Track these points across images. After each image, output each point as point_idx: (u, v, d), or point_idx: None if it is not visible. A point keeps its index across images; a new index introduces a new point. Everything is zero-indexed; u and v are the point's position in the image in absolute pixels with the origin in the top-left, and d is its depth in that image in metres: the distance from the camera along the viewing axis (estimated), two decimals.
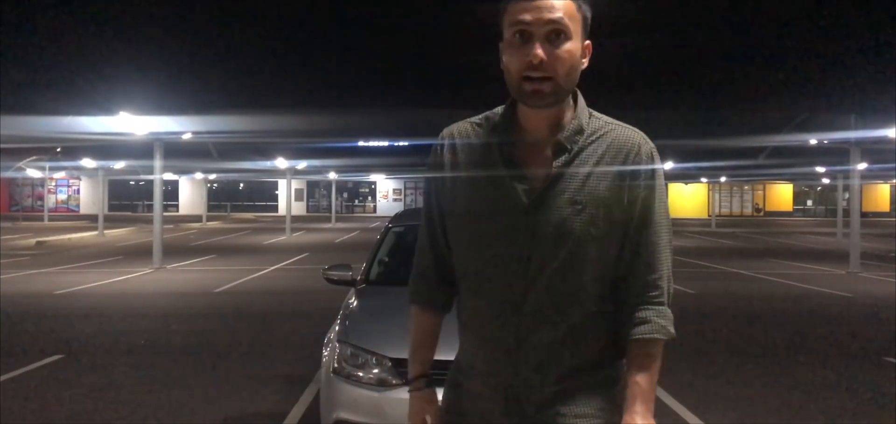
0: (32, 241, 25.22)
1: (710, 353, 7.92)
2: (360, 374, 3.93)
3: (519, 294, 1.59)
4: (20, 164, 35.61)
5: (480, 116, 1.71)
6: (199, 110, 18.23)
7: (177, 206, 53.46)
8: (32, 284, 13.95)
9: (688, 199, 56.03)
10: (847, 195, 28.54)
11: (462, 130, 1.70)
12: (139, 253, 20.49)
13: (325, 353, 4.35)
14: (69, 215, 49.20)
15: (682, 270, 17.02)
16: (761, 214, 57.12)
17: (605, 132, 1.63)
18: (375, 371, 3.90)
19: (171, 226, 34.98)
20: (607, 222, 1.59)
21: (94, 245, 24.86)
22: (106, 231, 30.20)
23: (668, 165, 32.58)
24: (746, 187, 57.22)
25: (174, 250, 21.02)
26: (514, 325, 1.60)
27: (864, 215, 26.70)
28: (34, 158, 34.82)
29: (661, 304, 1.63)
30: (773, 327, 9.73)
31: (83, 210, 51.72)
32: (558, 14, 1.53)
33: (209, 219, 43.06)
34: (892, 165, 28.32)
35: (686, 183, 53.90)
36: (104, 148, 26.72)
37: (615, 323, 1.65)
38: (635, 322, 1.61)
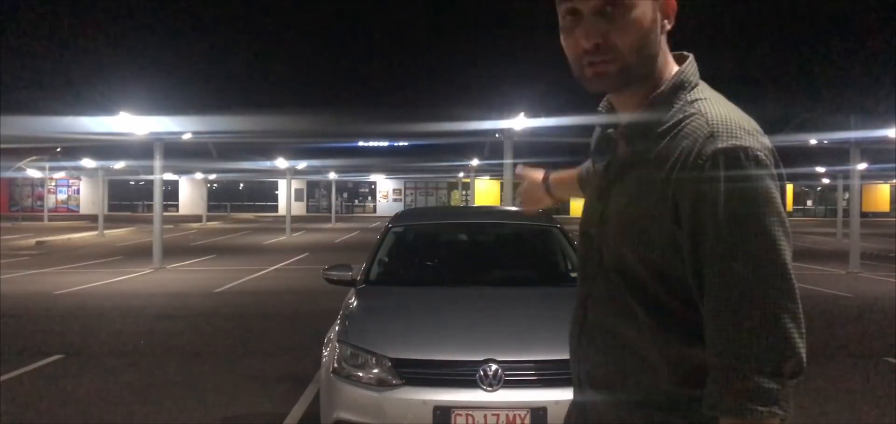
0: (32, 241, 25.22)
1: None
2: (360, 374, 3.93)
3: (585, 293, 1.47)
4: (20, 164, 35.62)
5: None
6: (199, 110, 18.22)
7: (177, 206, 53.48)
8: (32, 284, 13.95)
9: None
10: (847, 195, 28.53)
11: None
12: (139, 253, 20.49)
13: (325, 353, 4.35)
14: (69, 215, 49.22)
15: None
16: None
17: (691, 115, 1.31)
18: (375, 371, 3.90)
19: (171, 226, 34.97)
20: (660, 235, 1.29)
21: (94, 245, 24.85)
22: (106, 231, 30.20)
23: None
24: None
25: (174, 251, 21.02)
26: (577, 333, 1.49)
27: (864, 215, 26.70)
28: (34, 158, 34.83)
29: (730, 369, 1.19)
30: None
31: (83, 210, 51.72)
32: None
33: (209, 219, 43.06)
34: (892, 165, 28.30)
35: None
36: (104, 148, 26.72)
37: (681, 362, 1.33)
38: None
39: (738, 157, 1.22)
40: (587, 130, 1.75)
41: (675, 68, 1.39)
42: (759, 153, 1.23)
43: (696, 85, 1.37)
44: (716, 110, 1.29)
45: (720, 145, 1.23)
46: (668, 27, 1.37)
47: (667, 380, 1.32)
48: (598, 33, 1.30)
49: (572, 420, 1.57)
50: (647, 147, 1.33)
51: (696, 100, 1.33)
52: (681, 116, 1.32)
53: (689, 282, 1.26)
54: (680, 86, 1.36)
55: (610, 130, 1.46)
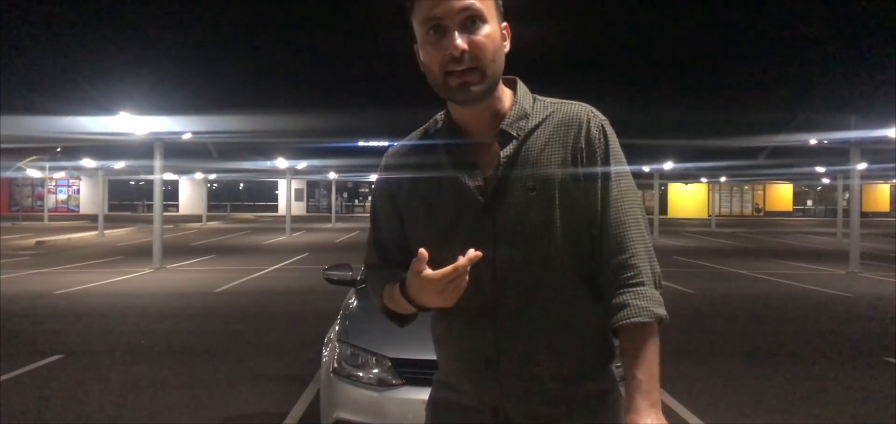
0: (32, 241, 25.21)
1: (710, 353, 7.92)
2: (360, 374, 3.93)
3: (491, 300, 1.52)
4: (20, 164, 35.62)
5: (418, 131, 1.67)
6: (199, 110, 18.24)
7: (177, 206, 53.48)
8: (32, 284, 13.94)
9: (688, 199, 56.06)
10: (847, 195, 28.54)
11: (403, 148, 1.66)
12: (139, 253, 20.48)
13: (325, 353, 4.35)
14: (69, 215, 49.21)
15: (682, 270, 17.01)
16: (761, 214, 57.14)
17: (551, 113, 1.54)
18: (375, 371, 3.90)
19: (171, 226, 34.98)
20: (567, 209, 1.50)
21: (94, 245, 24.85)
22: (106, 231, 30.20)
23: (669, 165, 32.59)
24: (746, 187, 57.24)
25: (174, 251, 21.02)
26: (490, 336, 1.53)
27: (864, 215, 26.72)
28: (34, 158, 34.84)
29: (641, 284, 1.47)
30: (773, 327, 9.73)
31: (83, 210, 51.72)
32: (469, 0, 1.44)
33: (209, 219, 43.06)
34: (892, 165, 28.31)
35: (686, 183, 53.91)
36: (104, 148, 26.73)
37: (601, 323, 1.55)
38: (614, 310, 1.47)
39: (609, 126, 1.56)
40: None
41: (504, 87, 1.57)
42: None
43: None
44: (568, 102, 1.58)
45: (599, 120, 1.55)
46: (507, 48, 1.54)
47: (598, 349, 1.60)
48: (465, 42, 1.44)
49: None
50: (534, 144, 1.52)
51: (542, 99, 1.59)
52: (547, 113, 1.55)
53: (592, 230, 1.52)
54: (527, 93, 1.60)
55: (462, 145, 1.56)
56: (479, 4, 1.45)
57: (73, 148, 29.57)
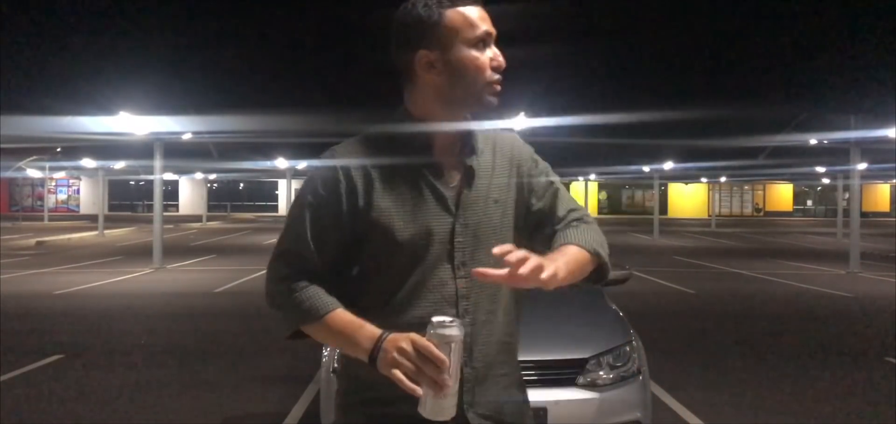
0: (32, 241, 25.21)
1: (710, 353, 7.92)
2: None
3: (465, 302, 1.62)
4: (20, 164, 35.61)
5: (373, 135, 1.69)
6: (199, 110, 18.23)
7: (177, 206, 53.47)
8: (32, 284, 13.95)
9: (688, 199, 56.07)
10: (847, 195, 28.53)
11: (360, 154, 1.65)
12: (139, 253, 20.49)
13: (325, 353, 4.35)
14: (69, 215, 49.20)
15: (682, 270, 17.02)
16: (761, 214, 57.14)
17: (489, 135, 1.75)
18: None
19: (171, 226, 34.97)
20: (516, 213, 1.72)
21: (94, 245, 24.85)
22: (106, 231, 30.20)
23: (669, 165, 32.57)
24: (746, 187, 57.23)
25: (174, 251, 21.02)
26: (466, 333, 1.57)
27: (864, 215, 26.71)
28: (34, 158, 34.81)
29: (590, 223, 1.73)
30: (774, 327, 9.73)
31: (83, 210, 51.72)
32: None
33: (209, 219, 43.05)
34: (892, 165, 28.30)
35: (686, 183, 53.92)
36: (104, 148, 26.71)
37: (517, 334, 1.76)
38: (563, 231, 1.70)
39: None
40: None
41: None
42: None
43: None
44: (494, 129, 1.79)
45: (520, 140, 1.80)
46: None
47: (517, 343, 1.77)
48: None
49: None
50: (488, 161, 1.71)
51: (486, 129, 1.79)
52: (487, 135, 1.75)
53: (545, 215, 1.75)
54: None
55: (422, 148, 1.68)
56: None
57: (73, 148, 29.54)
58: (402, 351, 1.47)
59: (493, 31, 1.63)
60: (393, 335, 1.52)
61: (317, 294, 1.62)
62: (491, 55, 1.63)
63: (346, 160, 1.64)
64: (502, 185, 1.71)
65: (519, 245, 1.51)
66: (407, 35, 1.63)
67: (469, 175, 1.66)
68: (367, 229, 1.61)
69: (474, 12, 1.62)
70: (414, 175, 1.63)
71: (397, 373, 1.46)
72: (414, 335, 1.48)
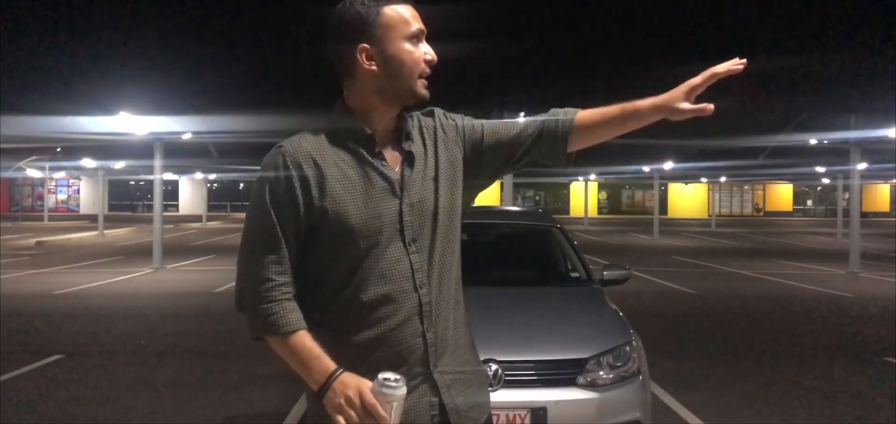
0: (32, 241, 25.21)
1: (710, 353, 7.92)
2: None
3: (420, 275, 1.75)
4: (20, 164, 35.61)
5: (318, 129, 1.79)
6: (199, 110, 18.23)
7: (177, 206, 53.45)
8: (32, 284, 13.94)
9: (688, 199, 56.05)
10: (847, 195, 28.54)
11: (307, 147, 1.75)
12: (139, 253, 20.48)
13: None
14: (69, 215, 49.19)
15: (682, 270, 17.02)
16: (761, 214, 57.12)
17: (411, 117, 1.87)
18: None
19: (171, 226, 34.97)
20: (456, 187, 1.85)
21: (94, 245, 24.85)
22: (106, 231, 30.20)
23: (669, 165, 32.58)
24: (746, 187, 57.22)
25: (174, 251, 21.02)
26: (421, 311, 1.74)
27: (864, 215, 26.71)
28: (34, 158, 34.82)
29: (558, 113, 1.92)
30: (774, 327, 9.73)
31: (83, 210, 51.70)
32: None
33: (209, 219, 43.07)
34: (892, 165, 28.31)
35: (686, 183, 53.91)
36: (104, 148, 26.72)
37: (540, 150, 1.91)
38: (548, 123, 1.91)
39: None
40: None
41: None
42: None
43: None
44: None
45: (440, 109, 1.92)
46: None
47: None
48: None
49: None
50: (420, 143, 1.83)
51: (412, 113, 1.90)
52: (414, 117, 1.87)
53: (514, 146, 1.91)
54: None
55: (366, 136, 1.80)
56: None
57: (73, 148, 29.56)
58: (348, 400, 1.59)
59: (424, 28, 1.77)
60: (343, 378, 1.63)
61: (284, 310, 1.72)
62: (423, 51, 1.77)
63: (293, 154, 1.73)
64: (433, 162, 1.83)
65: (458, 221, 1.84)
66: (346, 31, 1.74)
67: (409, 159, 1.79)
68: (321, 218, 1.71)
69: (408, 11, 1.75)
70: (361, 164, 1.75)
71: (340, 420, 1.59)
72: (363, 387, 1.59)
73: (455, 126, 1.91)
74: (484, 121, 1.95)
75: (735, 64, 1.76)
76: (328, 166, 1.73)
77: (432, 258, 1.77)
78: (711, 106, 1.79)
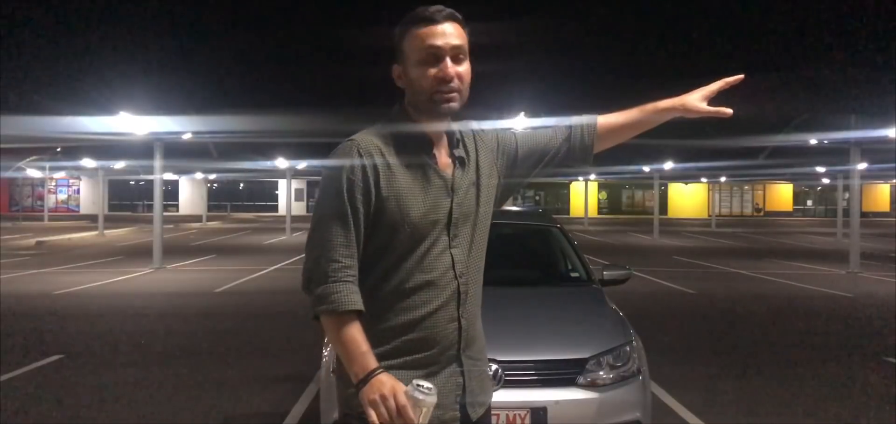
0: (32, 241, 25.21)
1: (711, 353, 7.92)
2: None
3: (460, 266, 1.93)
4: (20, 164, 35.60)
5: (383, 129, 1.95)
6: (199, 110, 18.22)
7: (177, 206, 53.44)
8: (32, 284, 13.94)
9: (688, 199, 56.04)
10: (847, 195, 28.53)
11: (377, 143, 1.90)
12: (139, 253, 20.48)
13: (326, 353, 4.34)
14: (69, 215, 49.20)
15: (681, 270, 17.03)
16: (761, 214, 57.11)
17: (462, 127, 2.03)
18: None
19: (172, 226, 34.98)
20: (491, 187, 2.05)
21: (94, 245, 24.85)
22: (106, 231, 30.20)
23: (669, 165, 32.57)
24: (746, 187, 57.20)
25: (174, 251, 21.02)
26: (459, 298, 1.93)
27: (864, 215, 26.71)
28: (34, 158, 34.80)
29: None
30: (774, 327, 9.73)
31: (83, 210, 51.70)
32: (459, 40, 1.89)
33: (209, 219, 43.05)
34: (892, 165, 28.31)
35: (686, 183, 53.90)
36: (104, 148, 26.71)
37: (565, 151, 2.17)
38: (575, 132, 2.18)
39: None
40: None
41: None
42: None
43: None
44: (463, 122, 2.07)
45: (477, 127, 2.10)
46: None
47: None
48: (455, 72, 1.88)
49: None
50: (471, 151, 2.03)
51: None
52: (463, 128, 2.04)
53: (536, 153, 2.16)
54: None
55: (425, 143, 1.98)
56: (463, 45, 1.90)
57: (73, 148, 29.54)
58: (383, 398, 1.73)
59: (444, 45, 1.86)
60: (382, 377, 1.77)
61: (347, 291, 1.83)
62: (435, 70, 1.86)
63: (366, 147, 1.88)
64: (475, 168, 2.02)
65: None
66: (393, 50, 1.95)
67: (461, 163, 1.98)
68: (384, 208, 1.86)
69: (427, 31, 1.86)
70: (420, 163, 1.92)
71: (372, 414, 1.73)
72: (398, 389, 1.73)
73: (494, 139, 2.11)
74: (516, 131, 2.16)
75: (736, 78, 2.09)
76: (394, 161, 1.89)
77: (470, 254, 1.96)
78: (730, 110, 2.06)
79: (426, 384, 1.71)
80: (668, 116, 2.11)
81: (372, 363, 1.79)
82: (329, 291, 1.82)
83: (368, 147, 1.88)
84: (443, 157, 1.97)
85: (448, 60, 1.87)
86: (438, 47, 1.86)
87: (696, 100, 2.08)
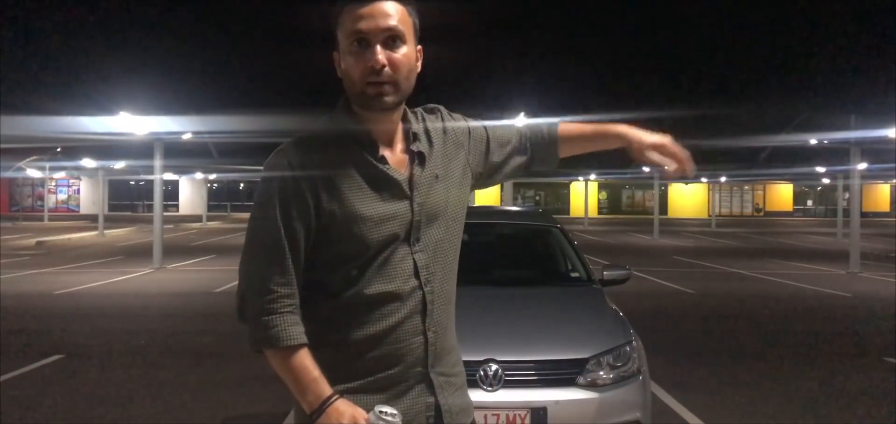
0: (32, 241, 25.21)
1: (710, 353, 7.92)
2: None
3: (425, 272, 1.71)
4: (20, 164, 35.61)
5: (318, 129, 1.73)
6: (199, 110, 18.23)
7: (177, 206, 53.45)
8: (32, 284, 13.94)
9: (688, 199, 56.04)
10: (847, 195, 28.53)
11: (311, 149, 1.67)
12: (139, 253, 20.48)
13: None
14: (69, 215, 49.20)
15: (682, 270, 17.02)
16: (761, 214, 57.11)
17: (415, 115, 1.81)
18: None
19: (172, 226, 34.98)
20: (463, 187, 1.83)
21: (94, 245, 24.85)
22: (106, 231, 30.19)
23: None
24: (746, 187, 57.20)
25: (174, 251, 21.02)
26: (424, 309, 1.70)
27: (864, 215, 26.71)
28: (34, 158, 34.82)
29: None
30: (773, 327, 9.73)
31: (83, 210, 51.70)
32: (393, 21, 1.61)
33: (209, 219, 43.05)
34: (892, 165, 28.30)
35: (686, 183, 53.89)
36: (104, 148, 26.72)
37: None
38: (539, 133, 1.97)
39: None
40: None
41: None
42: None
43: None
44: (426, 106, 1.86)
45: (445, 109, 1.88)
46: (418, 69, 1.72)
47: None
48: (385, 58, 1.61)
49: None
50: (428, 144, 1.77)
51: (415, 110, 1.83)
52: (419, 117, 1.81)
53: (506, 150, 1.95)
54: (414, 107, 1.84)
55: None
56: (400, 27, 1.62)
57: (73, 148, 29.56)
58: None
59: (372, 28, 1.60)
60: (338, 405, 1.60)
61: (285, 324, 1.62)
62: (369, 56, 1.61)
63: (298, 157, 1.65)
64: (440, 162, 1.78)
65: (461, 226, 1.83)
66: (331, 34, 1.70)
67: (420, 159, 1.74)
68: (330, 220, 1.64)
69: (356, 13, 1.61)
70: (366, 165, 1.68)
71: None
72: (358, 417, 1.58)
73: (463, 130, 1.87)
74: (487, 124, 1.94)
75: (681, 166, 1.88)
76: (335, 168, 1.66)
77: (436, 257, 1.73)
78: (693, 169, 1.89)
79: (390, 410, 1.55)
80: (616, 143, 1.89)
81: (325, 390, 1.61)
82: (266, 325, 1.62)
83: (300, 157, 1.64)
84: (396, 154, 1.73)
85: (378, 47, 1.60)
86: (365, 31, 1.60)
87: (649, 147, 1.84)
